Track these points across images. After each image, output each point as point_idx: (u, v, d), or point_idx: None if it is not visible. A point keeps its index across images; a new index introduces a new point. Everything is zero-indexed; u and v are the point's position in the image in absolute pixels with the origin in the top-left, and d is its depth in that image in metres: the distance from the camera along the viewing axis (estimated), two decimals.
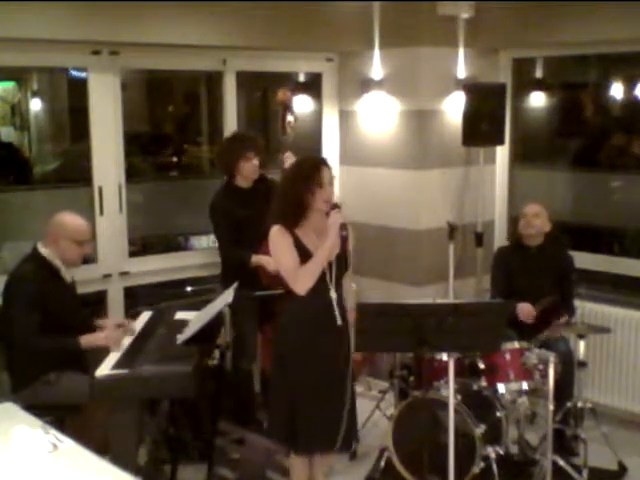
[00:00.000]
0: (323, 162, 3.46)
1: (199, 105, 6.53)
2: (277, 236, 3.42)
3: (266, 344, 4.67)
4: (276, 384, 3.55)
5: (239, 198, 4.58)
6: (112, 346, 3.73)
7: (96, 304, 4.80)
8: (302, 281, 3.36)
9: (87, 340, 3.77)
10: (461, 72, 5.35)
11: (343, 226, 3.33)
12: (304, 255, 3.39)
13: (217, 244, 4.73)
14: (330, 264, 3.41)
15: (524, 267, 4.68)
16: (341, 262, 3.46)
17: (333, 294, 3.41)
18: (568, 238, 5.38)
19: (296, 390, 3.44)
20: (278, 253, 3.44)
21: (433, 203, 5.34)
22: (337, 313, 3.40)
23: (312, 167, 3.42)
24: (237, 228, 4.52)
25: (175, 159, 6.67)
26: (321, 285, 3.38)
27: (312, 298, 3.39)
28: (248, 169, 4.57)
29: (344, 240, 3.41)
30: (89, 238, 4.02)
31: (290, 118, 4.80)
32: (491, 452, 4.00)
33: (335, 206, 3.38)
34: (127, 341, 3.82)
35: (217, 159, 4.92)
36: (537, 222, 4.65)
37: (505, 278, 4.73)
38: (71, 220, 3.90)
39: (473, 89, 5.20)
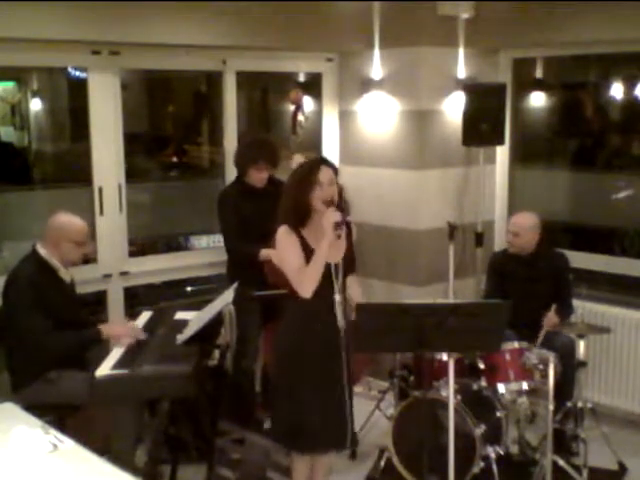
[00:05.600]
0: (323, 162, 3.42)
1: (199, 105, 6.53)
2: (283, 237, 3.38)
3: (268, 340, 4.67)
4: (277, 386, 3.54)
5: (247, 194, 4.60)
6: (129, 339, 3.74)
7: (96, 304, 4.80)
8: (305, 283, 3.32)
9: (107, 329, 3.80)
10: (461, 72, 5.34)
11: (337, 225, 3.26)
12: (311, 256, 3.34)
13: (223, 238, 4.74)
14: (337, 265, 3.39)
15: (519, 273, 4.67)
16: (347, 263, 3.45)
17: (337, 296, 3.40)
18: (553, 237, 5.28)
19: (296, 392, 3.43)
20: (284, 254, 3.41)
21: (433, 203, 5.33)
22: (339, 315, 3.39)
23: (310, 167, 3.39)
24: (243, 223, 4.54)
25: (175, 159, 6.67)
26: (326, 287, 3.37)
27: (315, 300, 3.36)
28: (255, 178, 4.59)
29: (349, 240, 3.43)
30: (88, 238, 4.03)
31: (301, 118, 4.84)
32: (491, 452, 4.00)
33: (331, 204, 3.31)
34: (126, 342, 3.81)
35: (234, 154, 4.91)
36: (518, 242, 4.62)
37: (499, 285, 4.73)
38: (70, 222, 3.90)
39: (473, 89, 5.20)
